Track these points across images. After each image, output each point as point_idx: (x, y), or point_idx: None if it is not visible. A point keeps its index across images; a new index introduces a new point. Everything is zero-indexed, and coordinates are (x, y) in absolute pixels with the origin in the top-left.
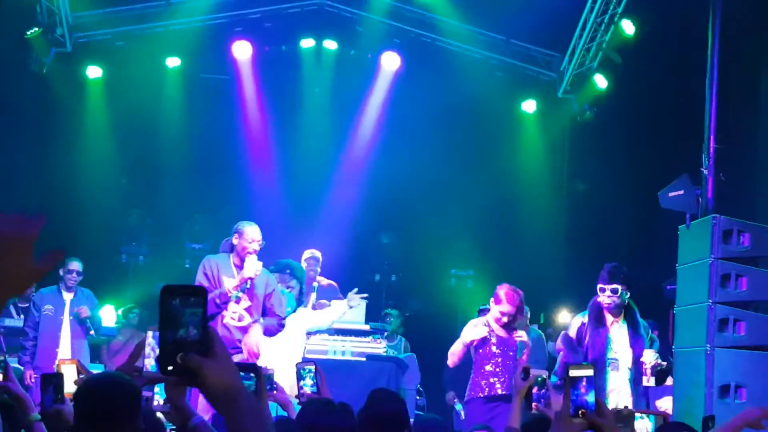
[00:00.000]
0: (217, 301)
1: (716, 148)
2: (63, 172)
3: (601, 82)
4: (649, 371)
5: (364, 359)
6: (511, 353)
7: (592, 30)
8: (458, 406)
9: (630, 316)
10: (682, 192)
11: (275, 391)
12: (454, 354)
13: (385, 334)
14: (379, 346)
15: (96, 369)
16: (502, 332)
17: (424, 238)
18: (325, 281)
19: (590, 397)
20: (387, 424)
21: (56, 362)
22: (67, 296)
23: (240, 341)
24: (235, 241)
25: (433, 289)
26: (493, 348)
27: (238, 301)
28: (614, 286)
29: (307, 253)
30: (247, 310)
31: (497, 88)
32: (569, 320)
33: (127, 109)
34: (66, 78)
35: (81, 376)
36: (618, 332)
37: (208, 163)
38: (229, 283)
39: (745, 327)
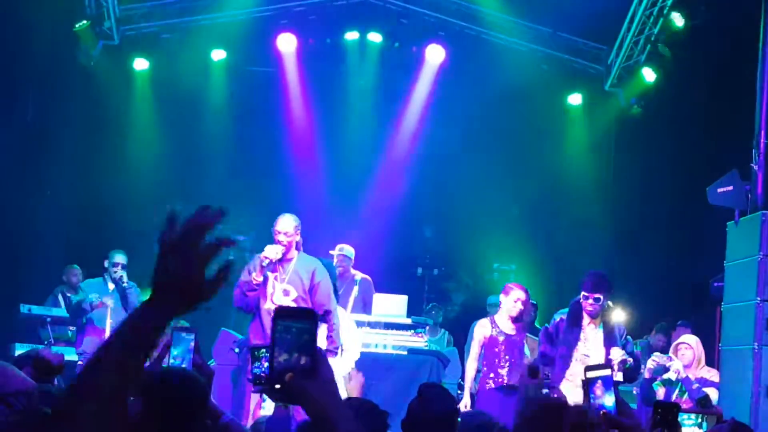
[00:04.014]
0: (243, 289)
1: (767, 143)
2: (109, 163)
3: (649, 75)
4: (615, 367)
5: (405, 353)
6: (517, 349)
7: (640, 23)
8: None
9: (607, 319)
10: (731, 188)
11: None
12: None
13: (427, 328)
14: (420, 340)
15: None
16: (509, 329)
17: (467, 232)
18: (359, 275)
19: (609, 398)
20: (439, 424)
21: None
22: (111, 286)
23: None
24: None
25: (475, 283)
26: (502, 346)
27: (286, 293)
28: (597, 295)
29: (336, 249)
30: (296, 301)
31: (543, 81)
32: (621, 318)
33: (173, 101)
34: (113, 70)
35: None
36: (592, 333)
37: (253, 155)
38: (254, 274)
39: None
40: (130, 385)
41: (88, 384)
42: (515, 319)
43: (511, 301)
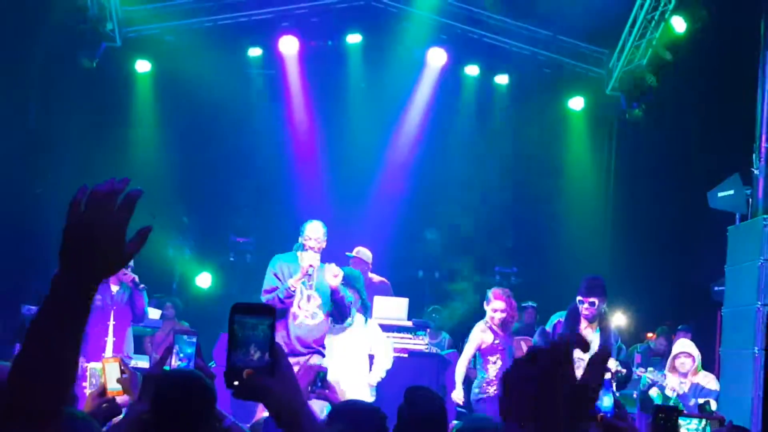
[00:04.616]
0: (281, 296)
1: (767, 148)
2: (111, 165)
3: (650, 79)
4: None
5: (406, 355)
6: (510, 351)
7: (642, 27)
8: None
9: (604, 324)
10: (731, 192)
11: (327, 390)
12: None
13: (428, 330)
14: (421, 343)
15: (140, 360)
16: (501, 332)
17: (468, 235)
18: (377, 278)
19: (607, 401)
20: (427, 426)
21: (102, 359)
22: (114, 287)
23: (315, 341)
24: (300, 239)
25: (476, 286)
26: (499, 354)
27: (309, 299)
28: (592, 299)
29: (354, 252)
30: (320, 307)
31: (544, 84)
32: (620, 322)
33: (175, 103)
34: (115, 72)
35: (124, 376)
36: (590, 337)
37: (254, 158)
38: (293, 280)
39: None
40: (71, 372)
41: (23, 378)
42: (500, 326)
43: (490, 311)
